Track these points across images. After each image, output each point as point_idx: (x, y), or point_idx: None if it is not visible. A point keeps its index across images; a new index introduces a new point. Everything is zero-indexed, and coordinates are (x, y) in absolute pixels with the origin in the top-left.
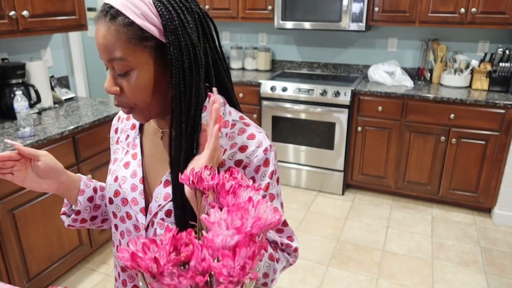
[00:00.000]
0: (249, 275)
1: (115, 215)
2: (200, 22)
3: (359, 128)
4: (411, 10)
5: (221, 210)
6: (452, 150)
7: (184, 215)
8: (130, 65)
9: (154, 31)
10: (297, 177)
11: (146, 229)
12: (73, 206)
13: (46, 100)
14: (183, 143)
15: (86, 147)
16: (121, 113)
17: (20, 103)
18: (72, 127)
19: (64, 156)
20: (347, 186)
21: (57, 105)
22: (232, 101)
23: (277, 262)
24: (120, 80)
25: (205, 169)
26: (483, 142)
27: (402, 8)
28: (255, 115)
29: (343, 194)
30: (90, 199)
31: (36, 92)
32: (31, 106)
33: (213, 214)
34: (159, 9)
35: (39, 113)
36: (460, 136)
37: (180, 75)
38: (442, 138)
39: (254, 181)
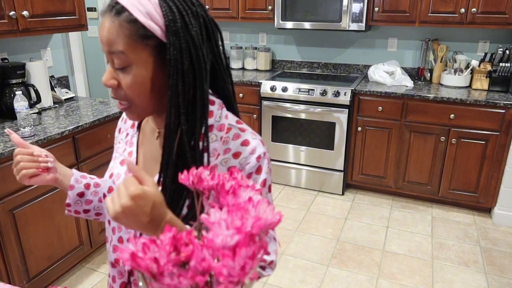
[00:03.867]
0: (249, 275)
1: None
2: (205, 26)
3: (359, 128)
4: (411, 10)
5: (221, 210)
6: (452, 150)
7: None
8: (129, 61)
9: (157, 30)
10: (297, 177)
11: None
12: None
13: (46, 100)
14: (175, 144)
15: (86, 147)
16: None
17: (20, 103)
18: (72, 127)
19: (64, 156)
20: (347, 186)
21: (57, 105)
22: (232, 107)
23: None
24: (118, 74)
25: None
26: (483, 142)
27: (402, 8)
28: (255, 115)
29: (343, 194)
30: (81, 194)
31: (36, 92)
32: (31, 106)
33: (213, 214)
34: (164, 9)
35: (39, 113)
36: (460, 136)
37: (179, 76)
38: (442, 138)
39: None
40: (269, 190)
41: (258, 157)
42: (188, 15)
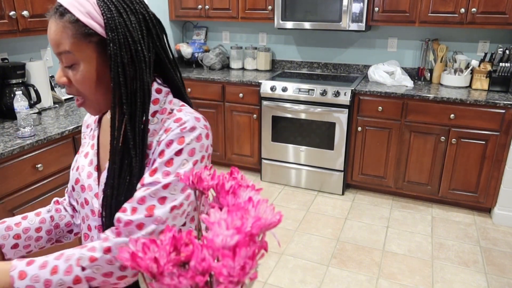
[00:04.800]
0: (249, 275)
1: (77, 201)
2: (144, 21)
3: (359, 128)
4: (411, 10)
5: (221, 210)
6: (452, 150)
7: (111, 198)
8: (76, 59)
9: (98, 28)
10: (297, 177)
11: (99, 213)
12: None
13: (46, 100)
14: (121, 132)
15: None
16: None
17: (20, 103)
18: (72, 127)
19: (64, 156)
20: (347, 186)
21: (57, 105)
22: (181, 94)
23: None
24: (68, 72)
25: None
26: (483, 142)
27: (402, 8)
28: (255, 115)
29: (343, 194)
30: (15, 246)
31: (36, 92)
32: (31, 106)
33: (213, 214)
34: (101, 8)
35: (39, 113)
36: (460, 136)
37: (120, 69)
38: (442, 138)
39: (162, 155)
40: (194, 163)
41: (183, 128)
42: (126, 12)
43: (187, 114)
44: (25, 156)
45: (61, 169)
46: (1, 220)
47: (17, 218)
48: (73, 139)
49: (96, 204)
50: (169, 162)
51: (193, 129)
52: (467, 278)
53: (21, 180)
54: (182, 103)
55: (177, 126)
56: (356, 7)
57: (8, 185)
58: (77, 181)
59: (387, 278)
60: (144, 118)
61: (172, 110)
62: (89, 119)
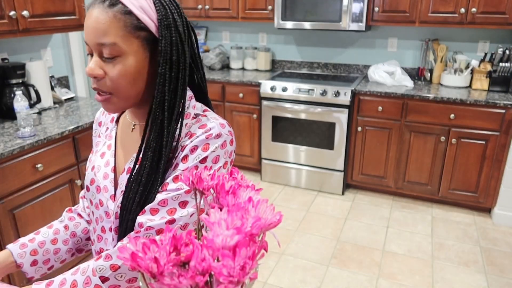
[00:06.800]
0: (249, 275)
1: (91, 202)
2: (186, 24)
3: (359, 128)
4: (411, 10)
5: (221, 210)
6: (452, 150)
7: (132, 200)
8: (121, 51)
9: (149, 23)
10: (297, 177)
11: (117, 215)
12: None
13: (46, 100)
14: (159, 131)
15: (86, 147)
16: None
17: (20, 103)
18: (72, 127)
19: (64, 156)
20: (347, 186)
21: (57, 105)
22: (205, 99)
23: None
24: (104, 65)
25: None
26: (483, 142)
27: (402, 8)
28: (255, 115)
29: (343, 194)
30: (34, 263)
31: (36, 92)
32: (31, 106)
33: (213, 214)
34: (156, 5)
35: (39, 113)
36: (460, 136)
37: (167, 66)
38: (442, 138)
39: (185, 160)
40: (217, 170)
41: (209, 135)
42: (174, 13)
43: (212, 121)
44: (25, 156)
45: (61, 169)
46: (13, 242)
47: (30, 235)
48: (73, 139)
49: (112, 206)
50: (194, 169)
51: (218, 136)
52: (467, 278)
53: (21, 180)
54: (204, 107)
55: (202, 132)
56: (356, 7)
57: (8, 185)
58: (92, 181)
59: (387, 278)
60: (180, 117)
61: (196, 115)
62: (103, 117)
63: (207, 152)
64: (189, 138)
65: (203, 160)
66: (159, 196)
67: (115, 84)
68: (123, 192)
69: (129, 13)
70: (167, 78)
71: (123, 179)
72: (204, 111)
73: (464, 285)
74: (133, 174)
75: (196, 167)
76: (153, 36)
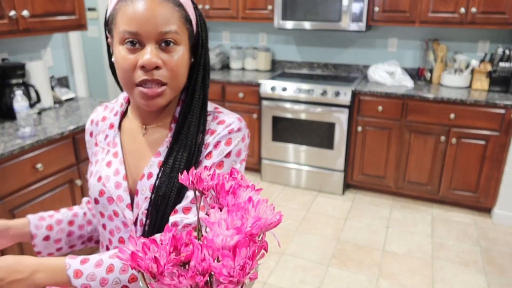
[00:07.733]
0: (249, 275)
1: (102, 215)
2: (205, 25)
3: (359, 128)
4: (411, 10)
5: (221, 210)
6: (452, 150)
7: (161, 202)
8: (180, 40)
9: (194, 19)
10: (297, 177)
11: (135, 223)
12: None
13: (46, 100)
14: (192, 122)
15: (86, 147)
16: (94, 116)
17: (20, 103)
18: (72, 127)
19: (64, 156)
20: (347, 186)
21: (57, 105)
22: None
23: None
24: (162, 55)
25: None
26: (483, 142)
27: (402, 8)
28: (255, 115)
29: (343, 194)
30: (46, 238)
31: (36, 92)
32: (31, 106)
33: (213, 214)
34: (193, 4)
35: (39, 113)
36: (460, 136)
37: (203, 58)
38: (442, 138)
39: (210, 156)
40: (241, 163)
41: (231, 130)
42: (201, 14)
43: (229, 116)
44: (25, 156)
45: (61, 169)
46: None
47: (50, 211)
48: (73, 139)
49: (130, 215)
50: (219, 164)
51: (239, 130)
52: (467, 278)
53: (21, 180)
54: (215, 105)
55: (224, 127)
56: (356, 7)
57: (8, 185)
58: (101, 192)
59: (387, 278)
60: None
61: (211, 112)
62: (94, 127)
63: (230, 146)
64: (210, 135)
65: (228, 155)
66: (190, 193)
67: (173, 73)
68: (151, 196)
69: (181, 5)
70: (201, 69)
71: (144, 185)
72: (215, 108)
73: (464, 285)
74: (165, 173)
75: (222, 162)
76: (192, 30)
